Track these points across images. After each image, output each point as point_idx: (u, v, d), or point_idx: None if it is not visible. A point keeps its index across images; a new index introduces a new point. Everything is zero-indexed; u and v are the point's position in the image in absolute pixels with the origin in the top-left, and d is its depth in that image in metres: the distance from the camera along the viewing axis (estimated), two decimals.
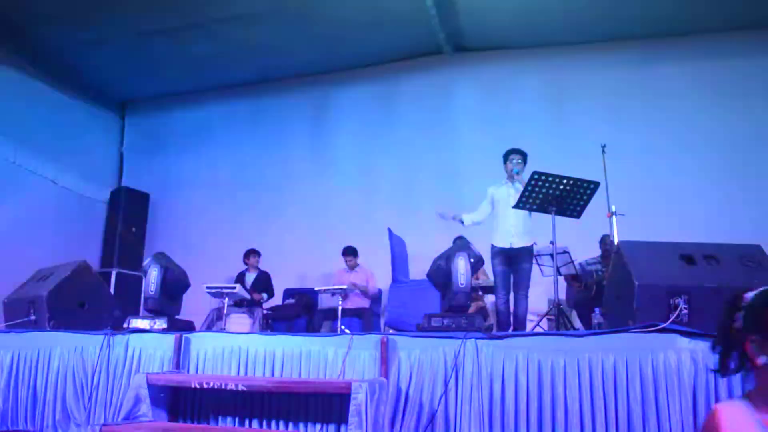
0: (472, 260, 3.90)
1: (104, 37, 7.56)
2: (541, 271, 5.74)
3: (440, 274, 3.99)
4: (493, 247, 4.94)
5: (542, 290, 6.03)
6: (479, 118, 7.92)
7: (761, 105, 6.85)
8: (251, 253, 7.36)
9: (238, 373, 3.78)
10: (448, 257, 3.92)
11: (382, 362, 3.37)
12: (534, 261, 5.13)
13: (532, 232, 4.92)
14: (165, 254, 4.83)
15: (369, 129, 8.46)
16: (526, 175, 4.67)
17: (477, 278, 5.95)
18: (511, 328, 4.71)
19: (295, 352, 3.68)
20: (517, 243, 4.85)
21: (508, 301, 4.88)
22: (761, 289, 1.34)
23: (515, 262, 4.88)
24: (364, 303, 6.68)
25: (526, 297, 4.84)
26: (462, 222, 5.08)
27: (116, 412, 3.81)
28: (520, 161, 4.96)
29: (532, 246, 4.92)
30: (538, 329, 4.51)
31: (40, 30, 7.40)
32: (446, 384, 3.24)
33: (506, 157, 5.04)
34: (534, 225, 4.92)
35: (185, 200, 9.12)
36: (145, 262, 4.73)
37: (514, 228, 4.86)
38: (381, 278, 6.88)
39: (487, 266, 6.06)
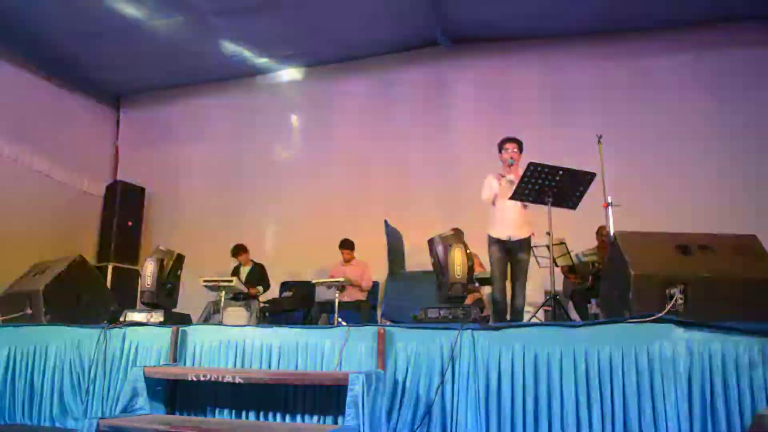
0: (469, 251, 3.90)
1: (99, 30, 7.52)
2: (538, 263, 5.74)
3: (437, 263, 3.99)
4: (489, 237, 4.90)
5: (539, 281, 6.04)
6: (475, 110, 7.91)
7: (757, 96, 6.85)
8: (239, 251, 7.31)
9: (235, 366, 3.79)
10: (445, 246, 3.91)
11: (379, 354, 3.38)
12: (531, 252, 5.10)
13: (531, 223, 4.84)
14: (170, 251, 4.80)
15: (365, 121, 8.44)
16: (522, 166, 4.60)
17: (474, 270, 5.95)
18: (509, 318, 4.70)
19: (291, 345, 3.69)
20: (515, 235, 4.81)
21: (504, 289, 4.83)
22: None
23: (513, 253, 4.84)
24: (361, 296, 6.69)
25: (524, 288, 4.80)
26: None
27: (113, 405, 3.82)
28: (515, 150, 4.86)
29: (529, 237, 4.86)
30: (534, 320, 4.52)
31: (35, 22, 7.35)
32: (443, 375, 3.24)
33: (501, 146, 4.92)
34: (531, 216, 4.84)
35: (181, 194, 9.10)
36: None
37: (512, 220, 4.81)
38: (378, 270, 6.88)
39: (484, 257, 6.07)
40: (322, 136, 8.63)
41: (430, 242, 4.11)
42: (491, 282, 4.95)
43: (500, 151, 4.92)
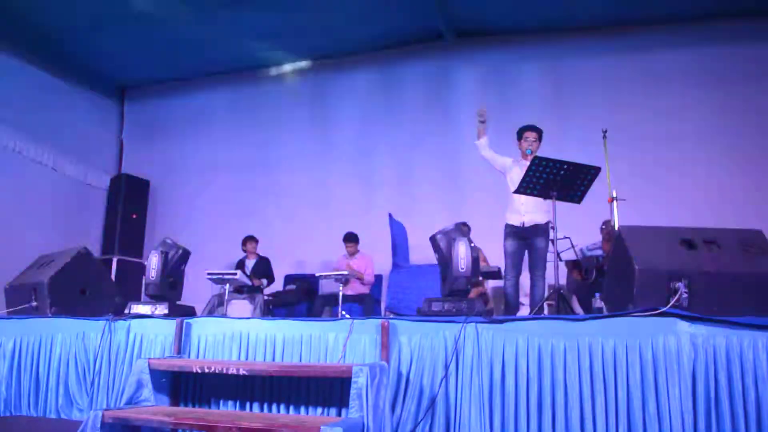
0: (473, 244, 3.89)
1: (102, 23, 7.52)
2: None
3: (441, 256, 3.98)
4: (506, 225, 4.86)
5: None
6: (479, 104, 7.87)
7: (762, 91, 6.82)
8: (249, 240, 7.39)
9: (239, 358, 3.79)
10: (449, 240, 3.91)
11: (383, 346, 3.38)
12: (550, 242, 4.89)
13: (548, 212, 4.72)
14: (177, 244, 4.81)
15: (369, 115, 8.44)
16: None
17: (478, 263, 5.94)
18: (531, 311, 4.60)
19: (295, 337, 3.69)
20: (531, 220, 4.77)
21: (517, 283, 4.79)
22: None
23: (529, 240, 4.77)
24: (365, 289, 6.70)
25: (544, 278, 4.71)
26: (477, 137, 4.99)
27: (118, 396, 3.83)
28: (535, 140, 4.82)
29: (547, 224, 4.78)
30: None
31: (38, 16, 7.36)
32: (447, 368, 3.25)
33: (520, 134, 4.90)
34: (548, 205, 4.68)
35: (185, 187, 9.12)
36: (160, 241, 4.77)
37: (525, 206, 4.77)
38: (381, 263, 6.88)
39: (488, 251, 6.07)
40: (326, 129, 8.63)
41: (432, 238, 4.10)
42: (504, 275, 4.91)
43: (519, 139, 4.90)
